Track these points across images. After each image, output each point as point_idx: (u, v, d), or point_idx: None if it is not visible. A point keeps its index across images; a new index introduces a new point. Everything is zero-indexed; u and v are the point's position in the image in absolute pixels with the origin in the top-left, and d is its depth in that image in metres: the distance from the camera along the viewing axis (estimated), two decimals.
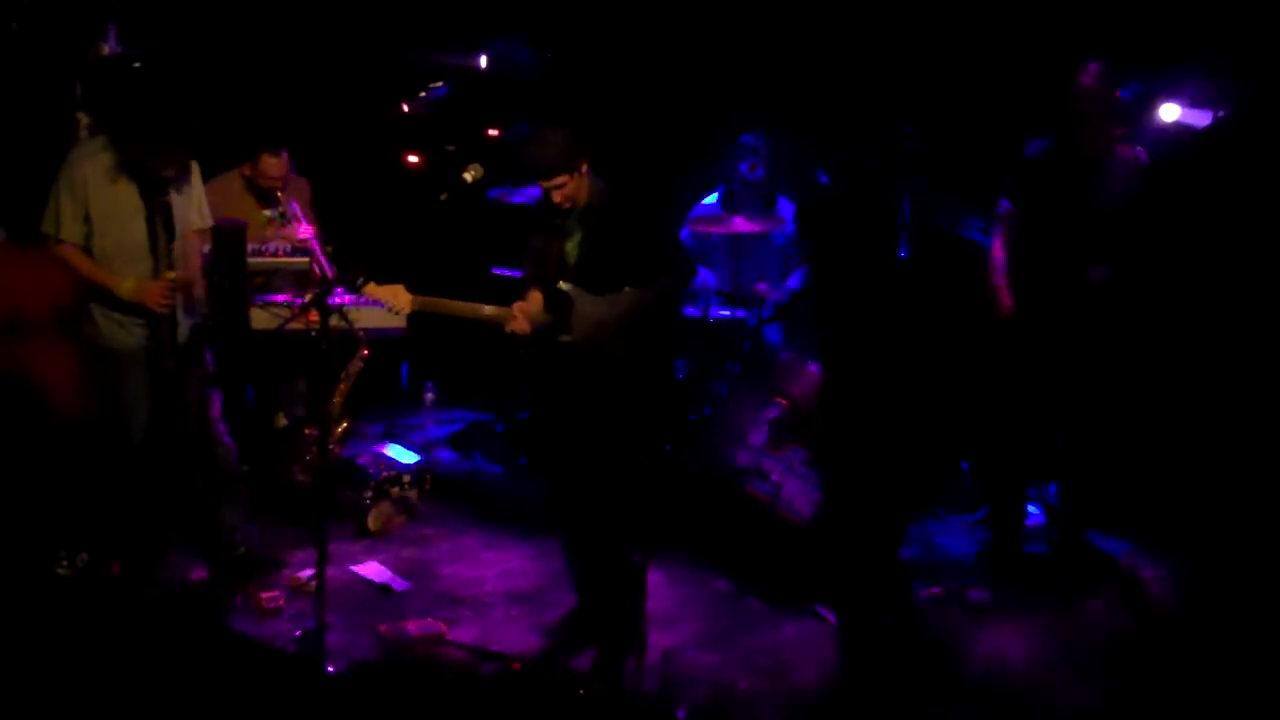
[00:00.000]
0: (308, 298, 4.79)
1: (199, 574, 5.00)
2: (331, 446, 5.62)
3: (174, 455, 4.94)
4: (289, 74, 7.15)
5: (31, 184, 4.93)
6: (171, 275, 4.72)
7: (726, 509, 5.53)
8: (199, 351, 4.93)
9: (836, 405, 4.37)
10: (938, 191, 6.03)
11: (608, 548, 4.70)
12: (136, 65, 5.31)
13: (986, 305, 5.51)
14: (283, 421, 6.08)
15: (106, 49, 5.64)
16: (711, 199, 6.52)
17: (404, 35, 7.34)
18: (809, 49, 6.60)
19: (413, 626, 4.78)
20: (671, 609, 5.09)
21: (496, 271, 6.81)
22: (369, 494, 5.78)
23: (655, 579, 4.75)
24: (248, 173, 5.96)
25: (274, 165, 5.92)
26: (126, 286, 4.71)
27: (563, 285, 4.64)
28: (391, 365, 7.63)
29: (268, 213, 5.90)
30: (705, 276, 6.32)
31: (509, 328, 4.69)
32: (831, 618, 4.90)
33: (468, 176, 4.55)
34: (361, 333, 5.59)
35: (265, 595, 4.97)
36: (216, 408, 5.01)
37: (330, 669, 4.35)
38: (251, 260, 5.63)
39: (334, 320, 4.56)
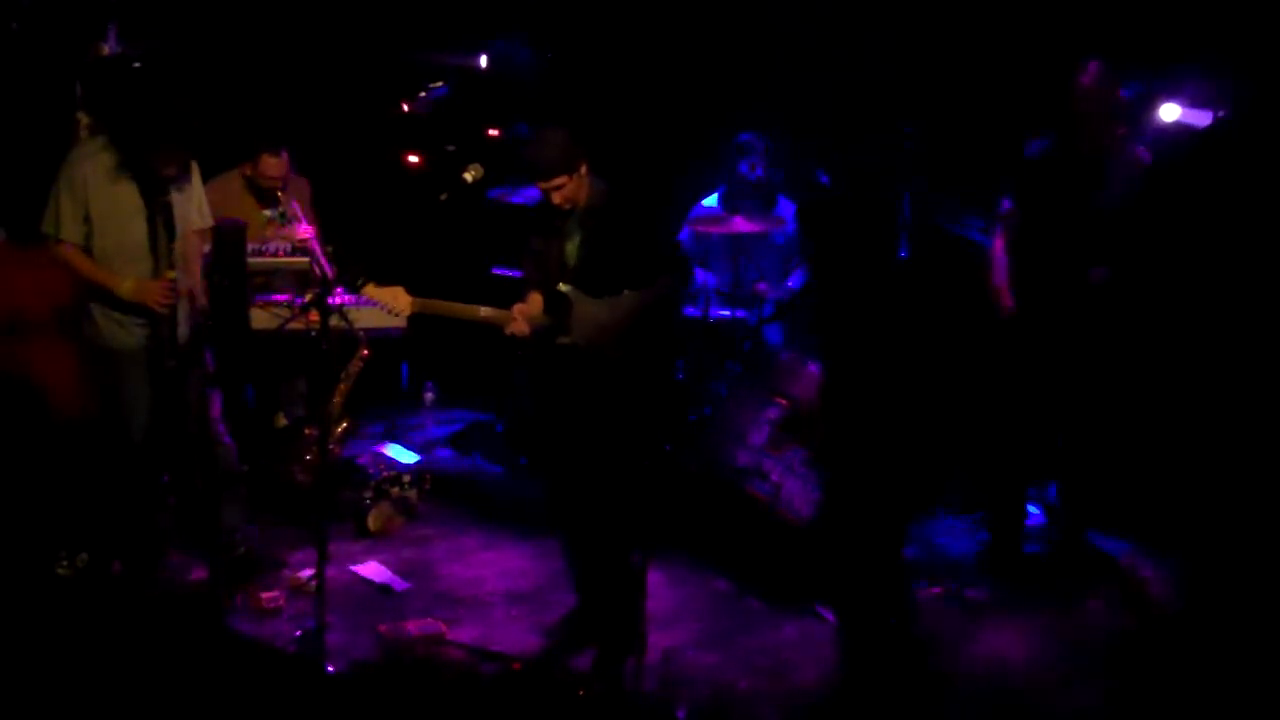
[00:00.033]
0: (308, 298, 4.79)
1: (199, 574, 5.00)
2: (331, 446, 5.62)
3: (174, 455, 4.95)
4: (289, 74, 7.15)
5: (31, 184, 4.93)
6: (172, 275, 4.72)
7: (726, 509, 5.53)
8: (199, 351, 4.93)
9: (837, 405, 4.37)
10: (938, 191, 6.03)
11: (608, 548, 4.70)
12: (136, 65, 5.31)
13: (986, 305, 5.51)
14: (283, 421, 6.08)
15: (106, 49, 5.65)
16: (711, 199, 6.52)
17: (404, 35, 7.34)
18: (809, 49, 6.60)
19: (413, 626, 4.78)
20: (671, 609, 5.10)
21: (496, 271, 6.81)
22: (369, 494, 5.79)
23: (655, 579, 4.75)
24: (248, 173, 5.96)
25: (274, 165, 5.92)
26: (126, 286, 4.71)
27: (562, 287, 4.64)
28: (391, 365, 7.63)
29: (268, 213, 5.90)
30: (705, 276, 6.32)
31: (508, 330, 4.68)
32: (831, 618, 4.91)
33: (468, 176, 4.54)
34: (361, 333, 5.59)
35: (265, 595, 4.97)
36: (216, 408, 5.01)
37: (330, 669, 4.35)
38: (251, 260, 5.64)
39: (334, 320, 4.55)
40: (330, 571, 4.54)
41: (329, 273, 5.66)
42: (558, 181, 4.55)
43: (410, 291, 4.69)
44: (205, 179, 5.07)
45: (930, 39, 6.39)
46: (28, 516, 5.10)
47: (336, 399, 5.69)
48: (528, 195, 6.18)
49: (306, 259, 5.78)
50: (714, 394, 5.93)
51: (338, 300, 5.19)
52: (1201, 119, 5.74)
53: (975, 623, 5.04)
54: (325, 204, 6.30)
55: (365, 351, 5.70)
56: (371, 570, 5.38)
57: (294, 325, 5.03)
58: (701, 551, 5.53)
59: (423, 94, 7.20)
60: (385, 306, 4.69)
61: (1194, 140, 5.74)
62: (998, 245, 5.55)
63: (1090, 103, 5.23)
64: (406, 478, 5.91)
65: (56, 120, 5.47)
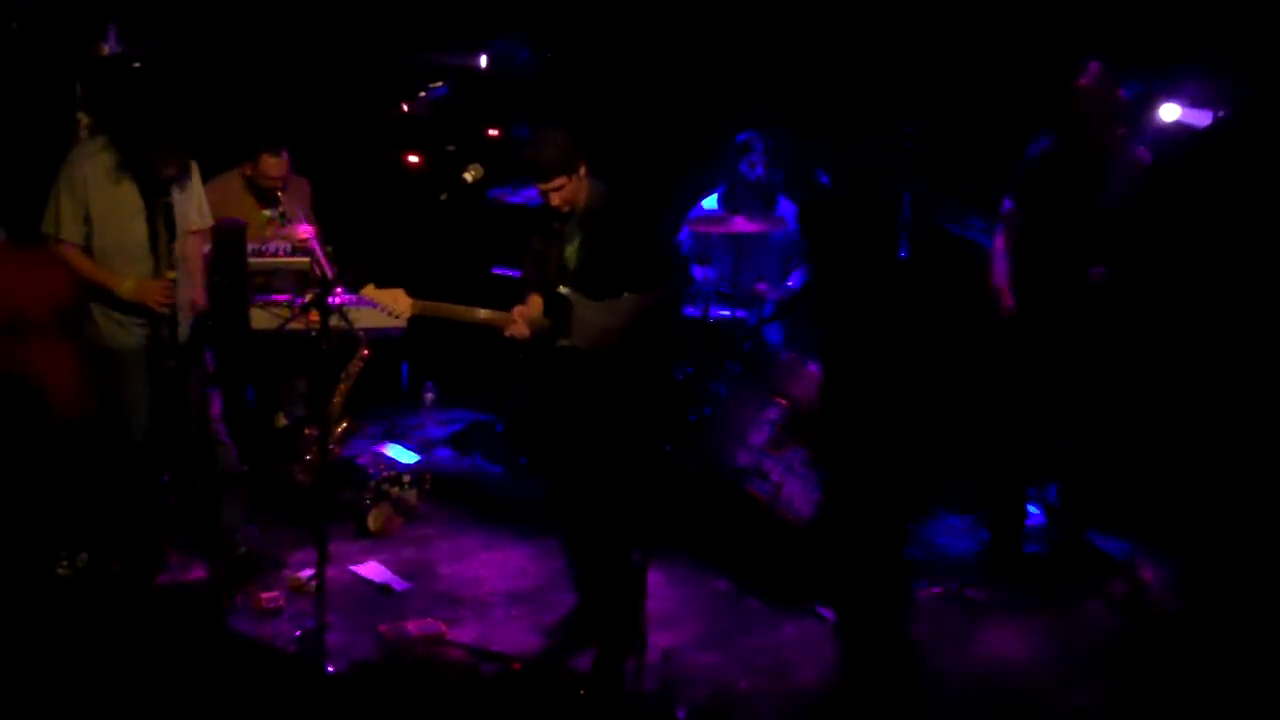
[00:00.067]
0: (308, 298, 4.79)
1: (199, 574, 5.00)
2: (331, 446, 5.62)
3: (174, 455, 4.94)
4: (289, 74, 7.15)
5: (31, 184, 4.93)
6: (172, 275, 4.72)
7: (726, 509, 5.53)
8: (199, 351, 4.93)
9: (837, 405, 4.38)
10: (938, 191, 6.03)
11: (608, 548, 4.70)
12: (136, 65, 5.32)
13: (987, 305, 5.51)
14: (283, 421, 6.07)
15: (106, 49, 5.65)
16: (711, 199, 6.52)
17: (404, 35, 7.34)
18: (809, 49, 6.60)
19: (413, 626, 4.78)
20: (671, 609, 5.09)
21: (496, 271, 6.82)
22: (369, 494, 5.78)
23: (655, 579, 4.75)
24: (248, 173, 5.96)
25: (274, 165, 5.92)
26: (127, 286, 4.71)
27: (562, 290, 4.64)
28: (391, 365, 7.63)
29: (268, 213, 5.90)
30: (705, 275, 6.32)
31: (508, 332, 4.68)
32: (831, 617, 4.91)
33: (468, 176, 4.54)
34: (361, 333, 5.58)
35: (265, 595, 4.97)
36: (216, 408, 5.01)
37: (330, 669, 4.35)
38: (251, 260, 5.64)
39: (334, 320, 4.55)
40: (330, 571, 4.54)
41: (329, 273, 5.66)
42: (556, 182, 4.54)
43: (410, 292, 4.68)
44: (205, 179, 5.06)
45: (930, 39, 6.39)
46: (28, 516, 5.10)
47: (336, 399, 5.69)
48: (528, 195, 6.18)
49: (306, 259, 5.78)
50: (714, 394, 5.92)
51: (338, 300, 5.20)
52: (1201, 119, 5.74)
53: (975, 623, 5.04)
54: (325, 204, 6.30)
55: (365, 351, 5.70)
56: (371, 570, 5.38)
57: (294, 325, 5.03)
58: (701, 551, 5.53)
59: (423, 94, 7.20)
60: (385, 308, 4.69)
61: (1194, 140, 5.74)
62: (998, 245, 5.56)
63: (1090, 103, 5.23)
64: (406, 478, 5.91)
65: (56, 120, 5.47)
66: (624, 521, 4.68)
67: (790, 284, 6.46)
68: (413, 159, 7.34)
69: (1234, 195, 5.73)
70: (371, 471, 5.88)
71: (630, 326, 4.64)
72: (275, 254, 5.79)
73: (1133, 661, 4.75)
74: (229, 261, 5.17)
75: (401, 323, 4.74)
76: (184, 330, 4.83)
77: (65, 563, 5.00)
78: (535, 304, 4.73)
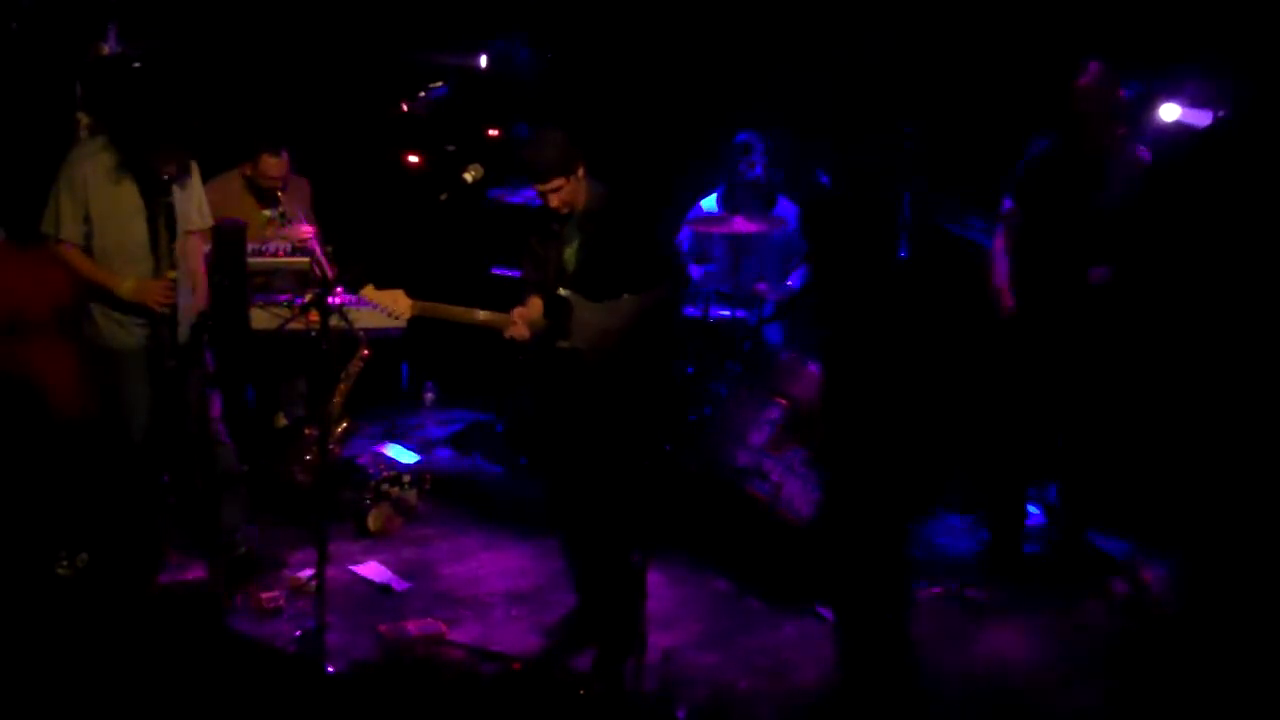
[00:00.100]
0: (308, 298, 4.79)
1: (199, 574, 5.00)
2: (331, 446, 5.62)
3: (174, 455, 4.94)
4: (289, 74, 7.15)
5: (31, 184, 4.93)
6: (172, 275, 4.72)
7: (726, 509, 5.53)
8: (199, 351, 4.93)
9: (837, 405, 4.37)
10: (938, 191, 6.03)
11: (608, 548, 4.70)
12: (136, 65, 5.31)
13: (987, 305, 5.51)
14: (283, 421, 6.07)
15: (106, 49, 5.65)
16: (711, 199, 6.52)
17: (404, 35, 7.34)
18: (809, 49, 6.60)
19: (413, 626, 4.78)
20: (671, 609, 5.10)
21: (496, 271, 6.82)
22: (369, 494, 5.78)
23: (655, 579, 4.75)
24: (248, 173, 5.96)
25: (274, 165, 5.92)
26: (127, 286, 4.71)
27: (562, 291, 4.63)
28: (391, 365, 7.63)
29: (268, 213, 5.90)
30: (705, 276, 6.32)
31: (508, 333, 4.68)
32: (831, 617, 4.90)
33: (468, 176, 4.54)
34: (361, 333, 5.58)
35: (265, 595, 4.97)
36: (216, 408, 5.01)
37: (330, 669, 4.35)
38: (251, 260, 5.64)
39: (334, 320, 4.55)
40: (330, 571, 4.54)
41: (329, 273, 5.66)
42: (555, 184, 4.54)
43: (410, 293, 4.69)
44: (205, 179, 5.07)
45: (930, 39, 6.39)
46: (28, 516, 5.10)
47: (336, 399, 5.70)
48: (527, 196, 6.18)
49: (306, 259, 5.78)
50: (714, 394, 5.93)
51: (338, 300, 5.19)
52: (1201, 119, 5.74)
53: (975, 623, 5.04)
54: (325, 204, 6.30)
55: (365, 351, 5.70)
56: (371, 570, 5.38)
57: (294, 325, 5.03)
58: (701, 551, 5.53)
59: (422, 94, 7.20)
60: (385, 309, 4.69)
61: (1194, 140, 5.74)
62: (998, 245, 5.56)
63: (1090, 103, 5.23)
64: (406, 478, 5.91)
65: (56, 120, 5.47)
66: (624, 522, 4.68)
67: (790, 284, 6.46)
68: (413, 159, 7.34)
69: (1234, 195, 5.73)
70: (371, 471, 5.88)
71: (630, 328, 4.64)
72: (275, 254, 5.79)
73: (1133, 661, 4.75)
74: (229, 261, 5.17)
75: (401, 323, 4.75)
76: (184, 330, 4.83)
77: (65, 563, 5.00)
78: (535, 305, 4.72)
